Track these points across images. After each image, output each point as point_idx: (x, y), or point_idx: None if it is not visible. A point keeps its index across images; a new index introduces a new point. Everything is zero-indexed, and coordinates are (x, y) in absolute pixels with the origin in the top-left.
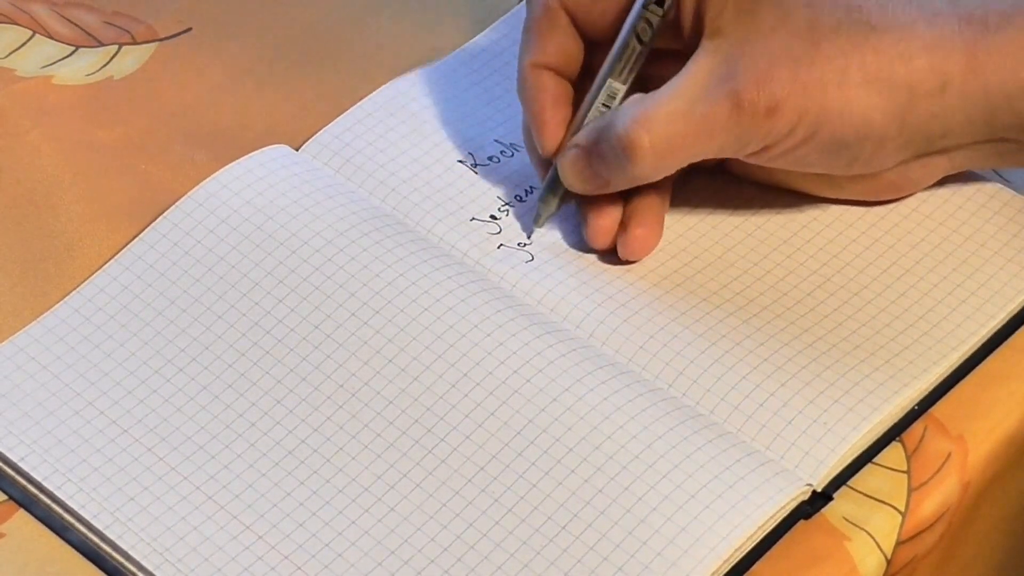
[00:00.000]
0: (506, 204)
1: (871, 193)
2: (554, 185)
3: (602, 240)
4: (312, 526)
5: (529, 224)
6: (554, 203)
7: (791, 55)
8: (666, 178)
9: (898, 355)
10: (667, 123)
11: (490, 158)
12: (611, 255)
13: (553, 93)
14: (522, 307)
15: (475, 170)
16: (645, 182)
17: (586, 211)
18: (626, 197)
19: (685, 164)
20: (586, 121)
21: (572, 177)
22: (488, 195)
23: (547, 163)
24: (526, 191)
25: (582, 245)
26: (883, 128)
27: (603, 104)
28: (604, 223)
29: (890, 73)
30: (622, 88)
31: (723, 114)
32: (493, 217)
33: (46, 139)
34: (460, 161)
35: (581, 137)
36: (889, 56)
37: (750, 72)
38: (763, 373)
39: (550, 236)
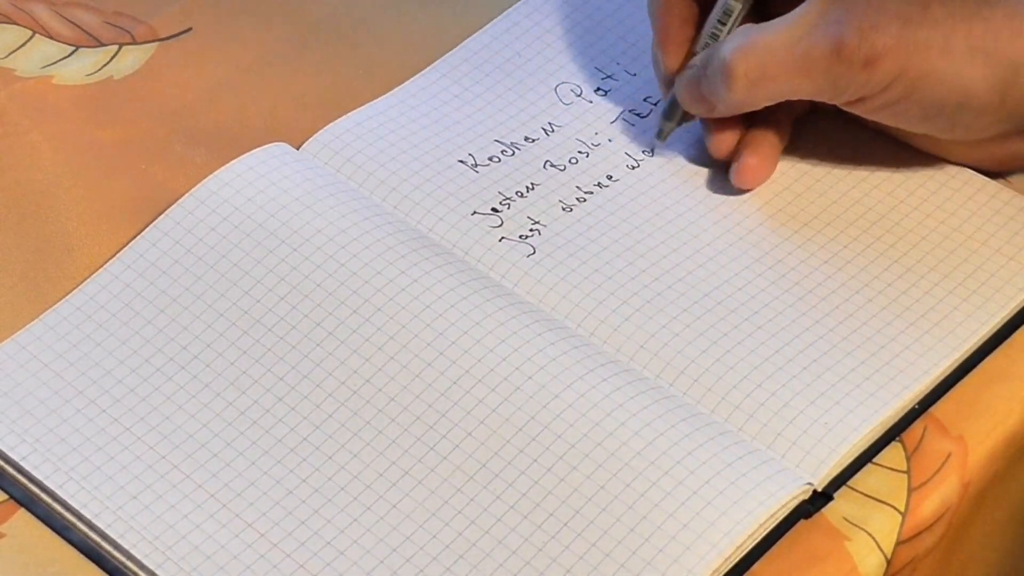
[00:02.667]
0: (507, 199)
1: (975, 160)
2: (674, 103)
3: (723, 151)
4: (314, 524)
5: (650, 139)
6: (675, 120)
7: (901, 14)
8: (785, 116)
9: (899, 355)
10: (765, 54)
11: (490, 158)
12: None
13: (680, 14)
14: (523, 305)
15: (475, 170)
16: (743, 109)
17: (708, 124)
18: (746, 123)
19: (780, 98)
20: (701, 40)
21: (685, 96)
22: (489, 190)
23: (670, 82)
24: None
25: (587, 239)
26: (983, 98)
27: (718, 20)
28: (725, 136)
29: (996, 46)
30: (737, 6)
31: (822, 56)
32: (495, 210)
33: (46, 139)
34: (461, 161)
35: (697, 59)
36: (998, 29)
37: (857, 21)
38: (764, 373)
39: (558, 234)
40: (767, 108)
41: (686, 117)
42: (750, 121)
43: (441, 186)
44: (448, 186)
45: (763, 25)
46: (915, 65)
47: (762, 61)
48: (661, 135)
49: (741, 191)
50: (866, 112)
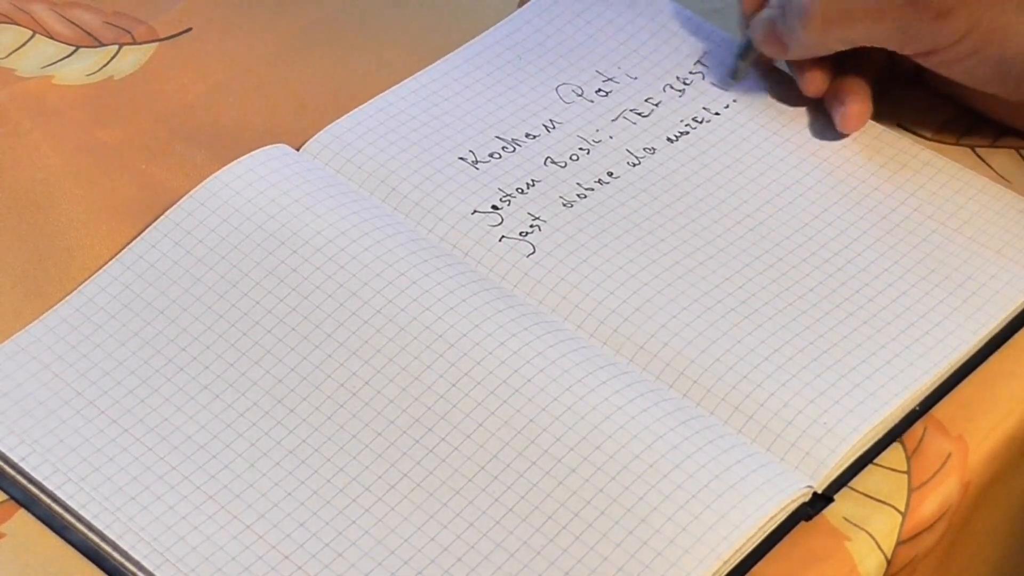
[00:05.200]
0: (507, 195)
1: None
2: (749, 44)
3: (815, 88)
4: (313, 526)
5: (727, 79)
6: (748, 60)
7: None
8: (868, 72)
9: (899, 355)
10: None
11: (491, 155)
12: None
13: None
14: (523, 307)
15: (476, 167)
16: (816, 52)
17: (795, 66)
18: (836, 70)
19: (852, 43)
20: None
21: (760, 35)
22: (489, 187)
23: (747, 24)
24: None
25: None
26: None
27: None
28: (816, 74)
29: None
30: None
31: (897, 4)
32: (495, 207)
33: (46, 139)
34: (461, 159)
35: (775, 0)
36: None
37: None
38: (764, 373)
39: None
40: (855, 62)
41: (760, 59)
42: (841, 69)
43: (441, 184)
44: (448, 184)
45: None
46: (988, 20)
47: (839, 4)
48: (735, 75)
49: (842, 135)
50: (936, 65)
